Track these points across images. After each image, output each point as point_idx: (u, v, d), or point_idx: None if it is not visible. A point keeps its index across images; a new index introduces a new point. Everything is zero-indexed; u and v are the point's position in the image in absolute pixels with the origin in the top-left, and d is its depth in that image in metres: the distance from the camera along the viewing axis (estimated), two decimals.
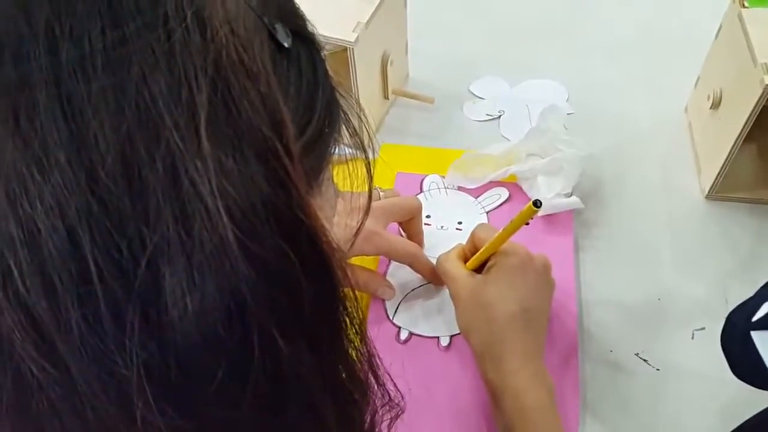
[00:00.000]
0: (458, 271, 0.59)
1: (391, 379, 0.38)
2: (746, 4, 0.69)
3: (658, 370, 0.61)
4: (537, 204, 0.53)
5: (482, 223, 0.63)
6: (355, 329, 0.32)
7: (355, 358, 0.33)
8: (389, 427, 0.40)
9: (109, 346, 0.22)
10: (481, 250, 0.58)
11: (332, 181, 0.35)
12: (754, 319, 0.43)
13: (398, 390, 0.39)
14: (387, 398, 0.37)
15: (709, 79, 0.77)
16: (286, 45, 0.28)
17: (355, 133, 0.34)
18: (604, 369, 0.62)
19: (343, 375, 0.32)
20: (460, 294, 0.58)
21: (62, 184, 0.21)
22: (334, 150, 0.32)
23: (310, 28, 0.32)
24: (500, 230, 0.57)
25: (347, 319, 0.31)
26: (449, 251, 0.62)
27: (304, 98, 0.29)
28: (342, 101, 0.33)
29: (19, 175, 0.21)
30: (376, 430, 0.38)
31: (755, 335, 0.42)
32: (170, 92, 0.22)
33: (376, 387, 0.36)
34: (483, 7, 1.00)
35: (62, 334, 0.22)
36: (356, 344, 0.33)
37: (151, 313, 0.22)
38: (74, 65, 0.22)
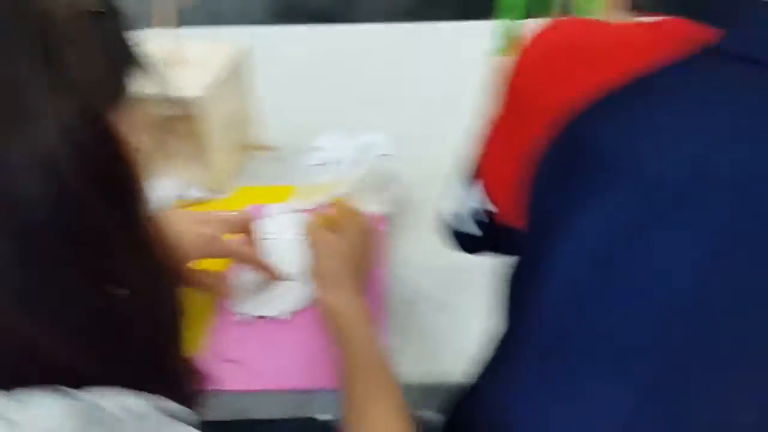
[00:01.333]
0: (317, 231, 0.74)
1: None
2: None
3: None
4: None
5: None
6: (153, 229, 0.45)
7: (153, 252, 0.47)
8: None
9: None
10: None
11: (140, 113, 0.45)
12: None
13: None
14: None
15: None
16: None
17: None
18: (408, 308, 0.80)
19: (148, 252, 0.45)
20: (317, 246, 0.72)
21: None
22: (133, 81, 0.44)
23: (118, 7, 0.45)
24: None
25: (145, 212, 0.44)
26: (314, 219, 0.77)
27: (112, 51, 0.42)
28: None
29: None
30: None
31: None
32: (24, 49, 0.38)
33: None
34: (325, 76, 1.25)
35: None
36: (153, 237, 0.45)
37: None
38: None
